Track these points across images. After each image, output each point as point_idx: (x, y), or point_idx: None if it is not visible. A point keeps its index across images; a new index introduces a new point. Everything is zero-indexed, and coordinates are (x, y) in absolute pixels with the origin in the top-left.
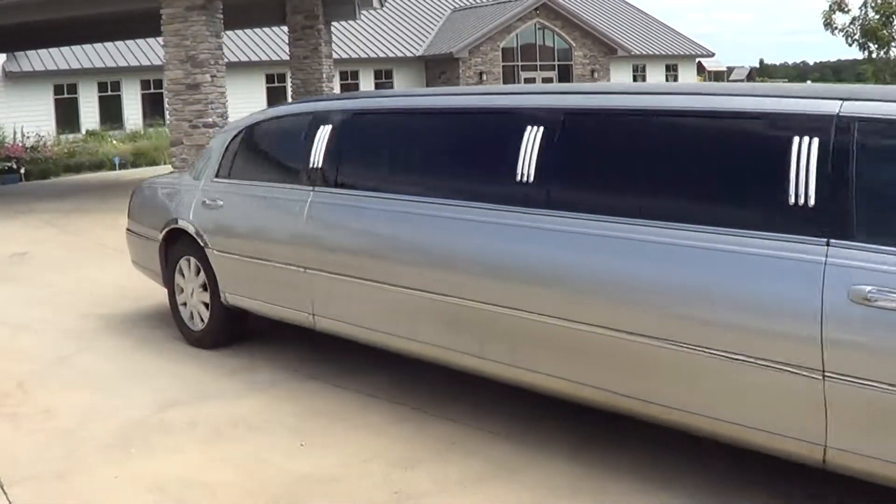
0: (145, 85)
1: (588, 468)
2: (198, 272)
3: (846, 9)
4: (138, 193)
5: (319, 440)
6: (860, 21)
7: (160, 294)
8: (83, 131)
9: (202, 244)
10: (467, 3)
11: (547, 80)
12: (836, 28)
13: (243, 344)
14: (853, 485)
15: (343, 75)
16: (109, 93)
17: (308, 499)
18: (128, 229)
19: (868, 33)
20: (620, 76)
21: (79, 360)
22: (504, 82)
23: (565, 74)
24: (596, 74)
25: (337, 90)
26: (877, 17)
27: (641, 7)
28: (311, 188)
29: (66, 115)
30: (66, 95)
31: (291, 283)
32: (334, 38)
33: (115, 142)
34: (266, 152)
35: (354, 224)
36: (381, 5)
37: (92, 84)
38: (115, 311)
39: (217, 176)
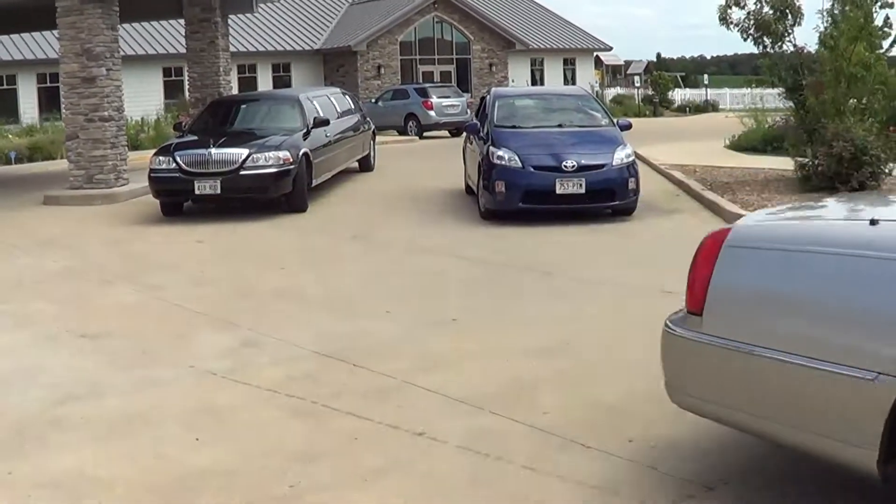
0: (41, 78)
1: (481, 459)
2: None
3: (742, 4)
4: (756, 260)
5: (217, 434)
6: (755, 16)
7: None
8: None
9: None
10: None
11: (445, 74)
12: (731, 23)
13: None
14: None
15: (241, 69)
16: (5, 86)
17: (204, 492)
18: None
19: (762, 28)
20: (518, 70)
21: None
22: (402, 76)
23: (464, 68)
24: (494, 68)
25: (234, 84)
26: (771, 11)
27: (539, 1)
28: None
29: None
30: None
31: None
32: (232, 31)
33: (10, 136)
34: None
35: None
36: None
37: None
38: (10, 308)
39: None
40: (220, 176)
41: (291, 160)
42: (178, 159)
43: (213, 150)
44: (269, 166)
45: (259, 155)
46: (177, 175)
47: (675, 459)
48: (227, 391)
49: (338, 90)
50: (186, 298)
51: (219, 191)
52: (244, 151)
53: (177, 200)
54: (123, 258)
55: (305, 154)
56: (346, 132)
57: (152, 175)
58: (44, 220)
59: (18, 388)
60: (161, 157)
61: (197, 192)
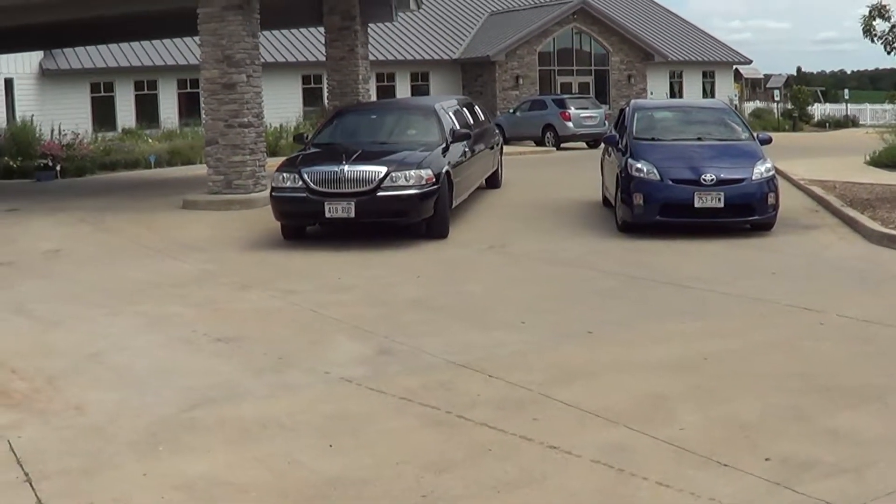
0: (182, 84)
1: (615, 474)
2: None
3: (887, 15)
4: None
5: (351, 442)
6: None
7: (190, 289)
8: (119, 129)
9: None
10: (504, 7)
11: (583, 85)
12: (875, 35)
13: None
14: None
15: (379, 77)
16: (146, 91)
17: (337, 500)
18: None
19: None
20: (657, 82)
21: (110, 357)
22: (540, 86)
23: (602, 79)
24: (632, 80)
25: (373, 92)
26: None
27: (679, 13)
28: None
29: (103, 112)
30: (102, 94)
31: None
32: (371, 39)
33: (150, 140)
34: None
35: None
36: (419, 7)
37: (128, 82)
38: (148, 309)
39: None
40: (354, 197)
41: (434, 180)
42: (305, 177)
43: (347, 167)
44: (410, 187)
45: (399, 173)
46: (304, 195)
47: (813, 479)
48: (362, 398)
49: (468, 99)
50: (322, 305)
51: (352, 214)
52: (382, 169)
53: (303, 224)
54: (260, 263)
55: (447, 172)
56: (481, 146)
57: (276, 195)
58: (182, 223)
59: (154, 389)
60: (286, 174)
61: (327, 214)
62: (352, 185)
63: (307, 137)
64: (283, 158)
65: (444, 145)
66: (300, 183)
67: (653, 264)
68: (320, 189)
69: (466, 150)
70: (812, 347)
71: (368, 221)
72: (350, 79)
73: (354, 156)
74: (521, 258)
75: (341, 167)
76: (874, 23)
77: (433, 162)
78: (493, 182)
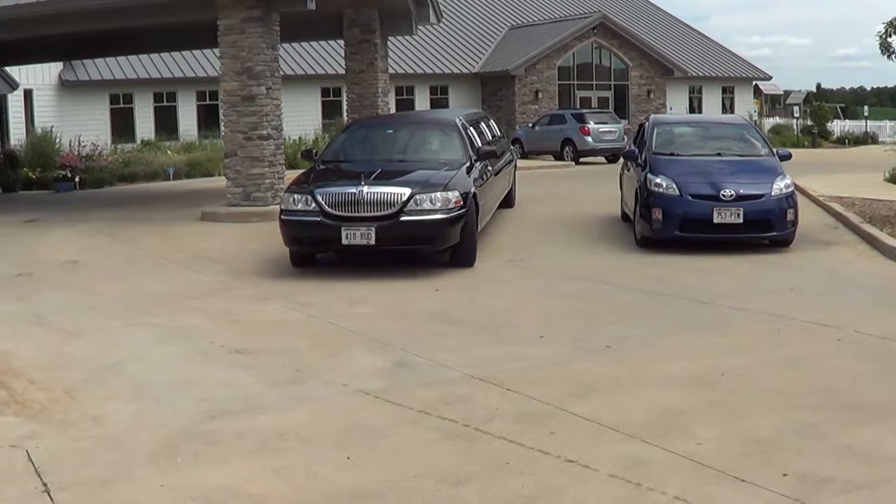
0: (201, 96)
1: (632, 488)
2: None
3: None
4: None
5: (368, 454)
6: None
7: (212, 301)
8: (138, 141)
9: None
10: (524, 21)
11: (603, 100)
12: (893, 52)
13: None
14: None
15: (399, 90)
16: (165, 103)
17: None
18: None
19: None
20: (677, 97)
21: (128, 368)
22: (559, 101)
23: (621, 94)
24: (652, 95)
25: (392, 105)
26: None
27: (699, 28)
28: None
29: (122, 124)
30: (121, 105)
31: None
32: (390, 53)
33: (169, 152)
34: None
35: None
36: (439, 21)
37: (148, 94)
38: (166, 321)
39: None
40: (374, 221)
41: (462, 203)
42: (318, 198)
43: (366, 188)
44: (437, 210)
45: (424, 195)
46: (317, 219)
47: (829, 496)
48: (380, 411)
49: (484, 113)
50: (340, 317)
51: (373, 241)
52: (405, 191)
53: (315, 251)
54: (278, 276)
55: (473, 194)
56: (500, 164)
57: (285, 218)
58: (200, 235)
59: (171, 401)
60: (297, 196)
61: (344, 241)
62: (372, 209)
63: (316, 153)
64: (300, 172)
65: (468, 164)
66: (313, 205)
67: (671, 280)
68: (336, 212)
69: (489, 168)
70: (829, 364)
71: (389, 248)
72: (369, 92)
73: (373, 175)
74: (539, 272)
75: (360, 188)
76: (890, 39)
77: (459, 182)
78: (507, 201)
